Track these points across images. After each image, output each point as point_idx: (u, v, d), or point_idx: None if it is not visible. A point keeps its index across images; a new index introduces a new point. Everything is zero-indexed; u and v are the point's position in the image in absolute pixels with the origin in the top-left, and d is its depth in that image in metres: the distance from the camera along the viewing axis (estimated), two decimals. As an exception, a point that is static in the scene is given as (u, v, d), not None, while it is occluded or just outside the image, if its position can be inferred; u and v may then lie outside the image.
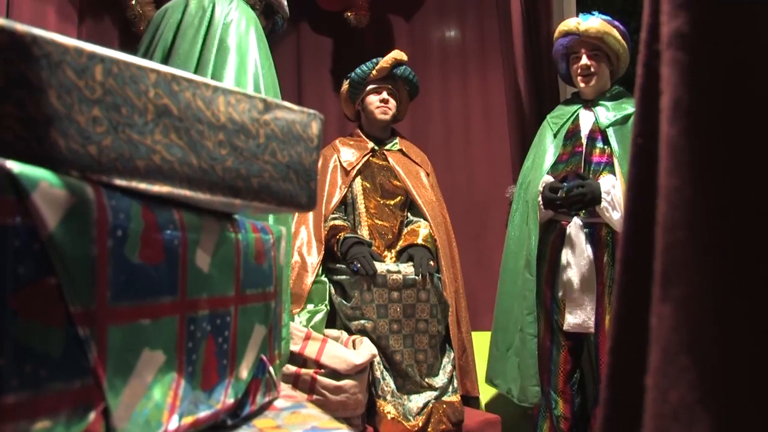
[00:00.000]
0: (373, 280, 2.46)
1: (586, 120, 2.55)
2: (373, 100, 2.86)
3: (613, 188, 2.31)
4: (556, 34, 2.62)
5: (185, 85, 0.72)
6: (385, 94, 2.85)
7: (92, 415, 0.61)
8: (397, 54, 2.84)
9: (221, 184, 0.74)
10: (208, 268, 0.77)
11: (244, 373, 0.85)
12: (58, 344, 0.57)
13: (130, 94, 0.66)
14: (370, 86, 2.85)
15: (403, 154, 2.92)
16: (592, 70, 2.53)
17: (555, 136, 2.58)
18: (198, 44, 1.77)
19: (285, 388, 1.01)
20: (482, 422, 2.60)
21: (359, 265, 2.47)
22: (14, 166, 0.55)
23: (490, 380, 2.65)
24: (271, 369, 0.91)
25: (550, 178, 2.46)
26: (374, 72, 2.81)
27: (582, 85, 2.57)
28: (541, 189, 2.45)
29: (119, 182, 0.64)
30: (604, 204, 2.31)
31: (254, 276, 0.87)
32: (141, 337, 0.66)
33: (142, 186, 0.66)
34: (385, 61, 2.81)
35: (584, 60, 2.54)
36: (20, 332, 0.53)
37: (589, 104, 2.58)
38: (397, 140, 2.96)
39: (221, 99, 0.76)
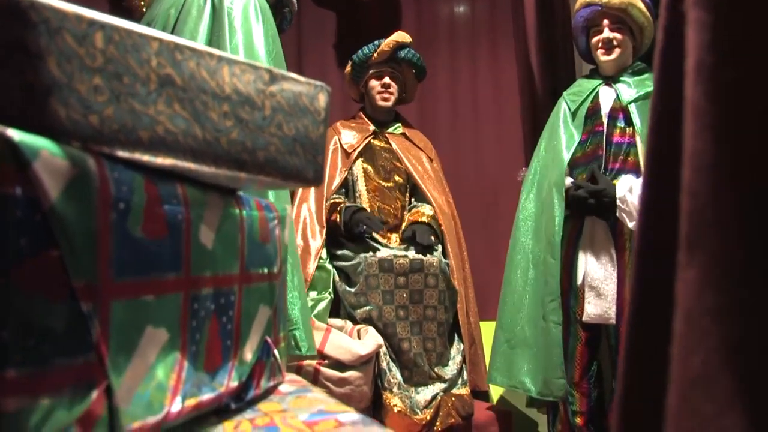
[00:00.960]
0: (380, 264, 2.47)
1: (607, 97, 2.53)
2: (374, 85, 2.87)
3: (629, 192, 2.29)
4: (576, 5, 2.58)
5: (188, 54, 0.73)
6: (387, 79, 2.86)
7: (95, 394, 0.62)
8: (398, 36, 2.82)
9: (226, 157, 0.75)
10: (212, 244, 0.78)
11: (249, 355, 0.86)
12: (61, 319, 0.58)
13: (131, 62, 0.67)
14: (372, 70, 2.86)
15: (406, 138, 2.93)
16: (615, 43, 2.50)
17: (573, 115, 2.55)
18: (203, 23, 1.76)
19: (289, 374, 1.02)
20: (493, 416, 2.62)
21: (365, 227, 2.49)
22: (15, 134, 0.56)
23: (490, 376, 2.60)
24: (276, 352, 0.93)
25: (570, 180, 2.44)
26: (375, 55, 2.81)
27: (603, 58, 2.54)
28: (567, 186, 2.43)
29: (121, 154, 0.65)
30: (619, 214, 2.30)
31: (258, 255, 0.88)
32: (144, 313, 0.67)
33: (146, 158, 0.67)
34: (385, 44, 2.80)
35: (606, 32, 2.51)
36: (23, 306, 0.55)
37: (610, 80, 2.56)
38: (399, 124, 2.97)
39: (226, 69, 0.77)
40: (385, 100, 2.87)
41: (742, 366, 0.35)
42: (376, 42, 2.82)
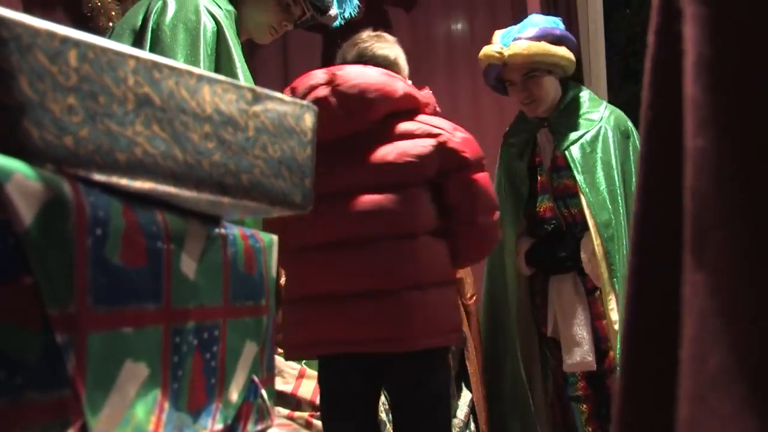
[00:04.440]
0: None
1: (546, 147, 2.56)
2: None
3: (593, 256, 2.35)
4: (481, 63, 2.56)
5: (167, 73, 0.77)
6: None
7: (70, 434, 0.64)
8: None
9: (208, 181, 0.78)
10: (194, 275, 0.81)
11: (234, 395, 0.88)
12: (34, 350, 0.60)
13: (107, 81, 0.70)
14: None
15: None
16: (534, 96, 2.48)
17: (516, 169, 2.60)
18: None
19: (279, 417, 1.04)
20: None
21: None
22: (-14, 156, 0.59)
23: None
24: (263, 392, 0.95)
25: (528, 243, 2.53)
26: None
27: (530, 115, 2.55)
28: (522, 254, 2.52)
29: (98, 177, 0.68)
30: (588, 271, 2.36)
31: (244, 286, 0.91)
32: (123, 346, 0.69)
33: (123, 181, 0.70)
34: None
35: (521, 90, 2.48)
36: (-5, 335, 0.57)
37: (545, 122, 2.55)
38: None
39: (206, 88, 0.80)
40: None
41: (758, 365, 0.37)
42: None
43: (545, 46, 2.41)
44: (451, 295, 1.87)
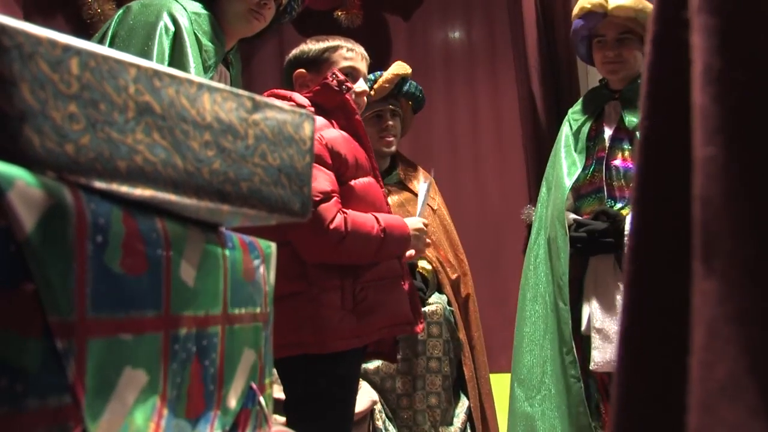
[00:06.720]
0: None
1: (612, 116, 2.51)
2: (372, 132, 2.69)
3: None
4: (576, 11, 2.51)
5: (168, 82, 0.77)
6: (388, 120, 2.73)
7: (69, 440, 0.64)
8: (399, 68, 2.71)
9: (208, 188, 0.78)
10: (193, 282, 0.81)
11: (233, 402, 0.89)
12: (34, 357, 0.60)
13: (108, 89, 0.71)
14: (369, 111, 2.69)
15: (402, 186, 2.84)
16: (621, 58, 2.46)
17: (576, 138, 2.53)
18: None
19: (276, 425, 1.04)
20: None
21: None
22: (-12, 163, 0.59)
23: None
24: (261, 399, 0.95)
25: (573, 217, 2.43)
26: (372, 92, 2.65)
27: (609, 76, 2.53)
28: (568, 225, 2.41)
29: (98, 184, 0.69)
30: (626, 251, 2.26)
31: (242, 294, 0.91)
32: (122, 353, 0.70)
33: (124, 189, 0.70)
34: (385, 80, 2.68)
35: (611, 48, 2.46)
36: (-4, 342, 0.57)
37: (617, 95, 2.52)
38: (397, 170, 2.85)
39: (206, 96, 0.81)
40: (389, 144, 2.74)
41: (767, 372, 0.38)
42: (370, 76, 2.66)
43: (649, 6, 2.35)
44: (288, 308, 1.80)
